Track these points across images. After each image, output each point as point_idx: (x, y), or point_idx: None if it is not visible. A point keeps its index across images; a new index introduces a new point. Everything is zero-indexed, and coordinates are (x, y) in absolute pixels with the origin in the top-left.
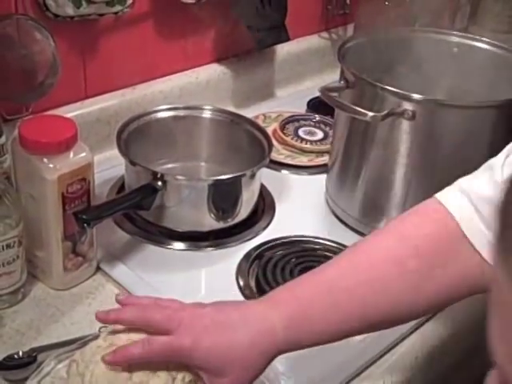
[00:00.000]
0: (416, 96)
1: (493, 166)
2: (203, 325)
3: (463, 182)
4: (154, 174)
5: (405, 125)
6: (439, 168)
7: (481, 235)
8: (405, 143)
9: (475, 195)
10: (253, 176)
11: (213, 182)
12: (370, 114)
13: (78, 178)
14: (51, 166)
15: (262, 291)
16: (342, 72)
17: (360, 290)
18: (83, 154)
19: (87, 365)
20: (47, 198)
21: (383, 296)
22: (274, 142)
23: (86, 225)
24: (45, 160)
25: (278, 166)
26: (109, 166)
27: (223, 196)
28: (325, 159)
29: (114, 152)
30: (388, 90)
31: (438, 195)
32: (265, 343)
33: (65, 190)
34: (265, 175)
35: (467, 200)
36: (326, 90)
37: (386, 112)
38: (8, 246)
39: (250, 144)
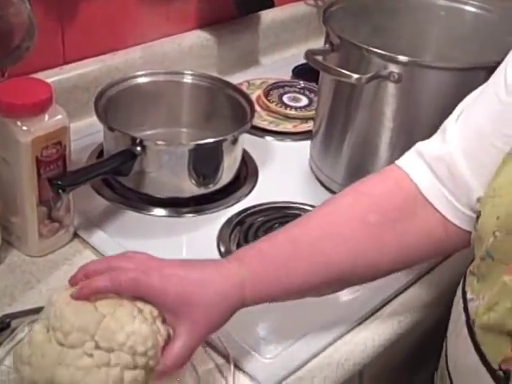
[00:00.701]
0: (402, 58)
1: (446, 126)
2: (173, 271)
3: (419, 145)
4: (133, 139)
5: (390, 88)
6: (425, 131)
7: (438, 193)
8: (390, 106)
9: (428, 156)
10: (234, 141)
11: (193, 146)
12: (355, 76)
13: (53, 142)
14: (25, 128)
15: None
16: (328, 35)
17: (323, 243)
18: (59, 117)
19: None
20: (21, 161)
21: (346, 249)
22: (258, 109)
23: (61, 191)
24: (18, 123)
25: (262, 132)
26: (87, 133)
27: (204, 161)
28: (309, 125)
29: (93, 119)
30: (373, 51)
31: (398, 160)
32: (235, 297)
33: (39, 153)
34: (248, 141)
35: (422, 161)
36: (310, 53)
37: (371, 74)
38: None
39: (232, 109)
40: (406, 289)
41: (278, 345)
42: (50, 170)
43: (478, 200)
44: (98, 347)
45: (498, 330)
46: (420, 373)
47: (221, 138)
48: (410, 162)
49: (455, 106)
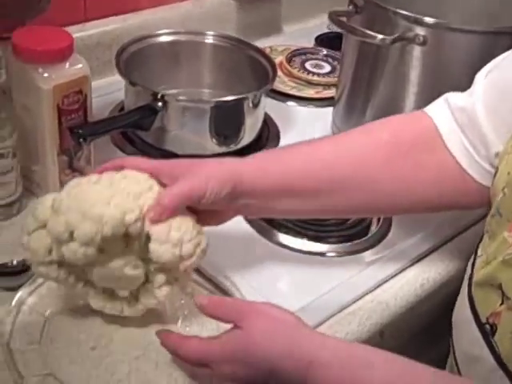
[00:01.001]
0: (428, 20)
1: (475, 81)
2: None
3: (448, 94)
4: (154, 94)
5: (416, 51)
6: None
7: (458, 140)
8: (415, 69)
9: (454, 104)
10: (256, 101)
11: (215, 104)
12: (380, 36)
13: (75, 90)
14: (46, 75)
15: None
16: None
17: (324, 149)
18: (79, 66)
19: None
20: (42, 109)
21: (348, 155)
22: (280, 74)
23: (81, 140)
24: (40, 69)
25: (284, 97)
26: (108, 91)
27: (226, 120)
28: (332, 92)
29: (114, 78)
30: (399, 13)
31: (425, 108)
32: (233, 174)
33: (60, 101)
34: (270, 106)
35: (447, 108)
36: (335, 14)
37: (396, 35)
38: (2, 156)
39: (254, 70)
40: (430, 252)
41: (300, 300)
42: (71, 120)
43: (497, 155)
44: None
45: (489, 284)
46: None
47: (243, 96)
48: (435, 107)
49: (480, 69)
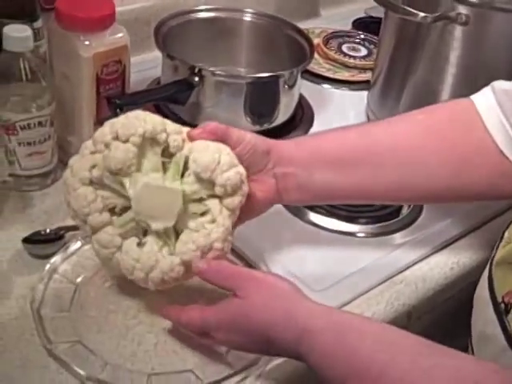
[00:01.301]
0: None
1: None
2: None
3: (495, 81)
4: (192, 68)
5: (457, 31)
6: (489, 78)
7: (499, 125)
8: (455, 51)
9: (498, 88)
10: (292, 79)
11: (251, 80)
12: (422, 14)
13: (114, 60)
14: (87, 43)
15: None
16: None
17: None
18: (120, 35)
19: None
20: (82, 77)
21: (384, 130)
22: (316, 56)
23: (118, 110)
24: (81, 37)
25: (319, 79)
26: (146, 68)
27: (261, 97)
28: (367, 75)
29: (152, 54)
30: None
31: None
32: (269, 140)
33: (99, 70)
34: (305, 87)
35: (491, 92)
36: None
37: (437, 14)
38: (40, 124)
39: (291, 49)
40: (461, 237)
41: (328, 279)
42: (109, 89)
43: None
44: None
45: (507, 263)
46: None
47: (279, 73)
48: (479, 93)
49: None
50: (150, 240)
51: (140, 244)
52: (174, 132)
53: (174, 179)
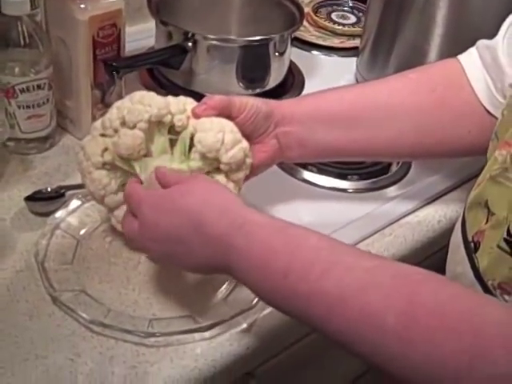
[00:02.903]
0: None
1: (504, 22)
2: None
3: (480, 40)
4: (185, 33)
5: None
6: (475, 38)
7: (480, 77)
8: (441, 10)
9: (481, 44)
10: (283, 43)
11: (243, 43)
12: None
13: (110, 23)
14: (83, 6)
15: None
16: None
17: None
18: None
19: None
20: (78, 40)
21: (377, 87)
22: (306, 24)
23: (114, 73)
24: (77, 1)
25: (309, 46)
26: (140, 37)
27: (253, 62)
28: (356, 42)
29: (145, 25)
30: None
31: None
32: (270, 100)
33: (95, 33)
34: (296, 54)
35: (475, 48)
36: None
37: None
38: (38, 87)
39: (282, 15)
40: (448, 192)
41: (320, 231)
42: (106, 53)
43: (510, 86)
44: None
45: (477, 203)
46: None
47: (270, 36)
48: (466, 52)
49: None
50: None
51: None
52: (179, 112)
53: (180, 159)
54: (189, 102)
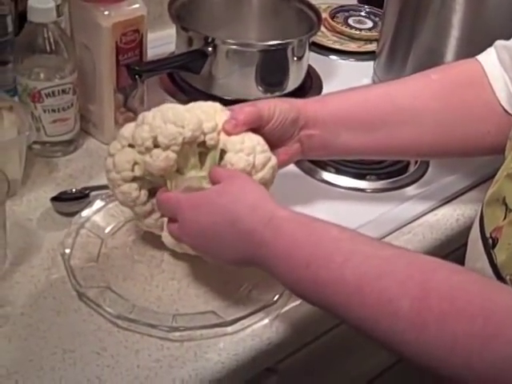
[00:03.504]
0: None
1: None
2: None
3: (498, 41)
4: (206, 38)
5: None
6: (493, 40)
7: (499, 77)
8: (458, 14)
9: (499, 44)
10: (301, 48)
11: (262, 48)
12: None
13: (132, 29)
14: (106, 13)
15: None
16: None
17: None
18: (137, 6)
19: None
20: (101, 46)
21: (407, 94)
22: (323, 29)
23: (137, 77)
24: (101, 8)
25: (327, 51)
26: (160, 44)
27: (272, 66)
28: (373, 46)
29: (166, 32)
30: None
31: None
32: (296, 102)
33: (118, 39)
34: (314, 59)
35: (493, 48)
36: None
37: None
38: (63, 92)
39: (300, 21)
40: (466, 191)
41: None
42: (128, 58)
43: None
44: None
45: (495, 200)
46: None
47: (289, 40)
48: (484, 53)
49: None
50: None
51: None
52: (211, 130)
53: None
54: (219, 110)
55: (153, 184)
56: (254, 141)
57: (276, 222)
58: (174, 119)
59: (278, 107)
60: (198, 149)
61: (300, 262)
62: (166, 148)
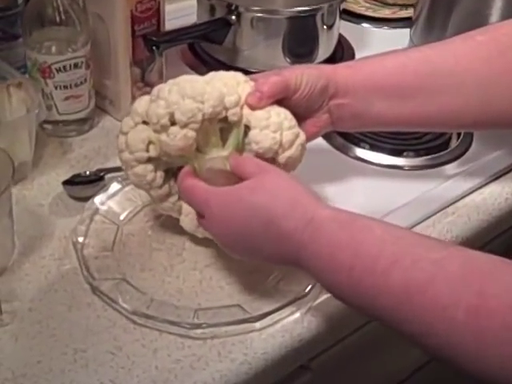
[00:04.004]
0: None
1: None
2: None
3: None
4: (229, 5)
5: None
6: None
7: None
8: None
9: None
10: (332, 14)
11: (290, 14)
12: None
13: None
14: None
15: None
16: None
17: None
18: None
19: None
20: (115, 15)
21: (453, 56)
22: None
23: (155, 48)
24: None
25: (359, 18)
26: (180, 15)
27: (300, 34)
28: (409, 12)
29: (187, 3)
30: None
31: None
32: (325, 69)
33: (134, 7)
34: (345, 27)
35: None
36: None
37: None
38: (76, 66)
39: None
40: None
41: (377, 212)
42: (145, 28)
43: None
44: None
45: None
46: None
47: (319, 6)
48: None
49: None
50: None
51: None
52: (234, 105)
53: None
54: (242, 81)
55: (169, 164)
56: (281, 116)
57: (317, 222)
58: (192, 93)
59: (305, 75)
60: (219, 124)
61: (342, 265)
62: (184, 126)
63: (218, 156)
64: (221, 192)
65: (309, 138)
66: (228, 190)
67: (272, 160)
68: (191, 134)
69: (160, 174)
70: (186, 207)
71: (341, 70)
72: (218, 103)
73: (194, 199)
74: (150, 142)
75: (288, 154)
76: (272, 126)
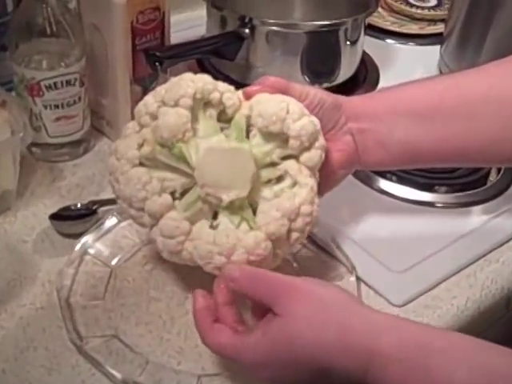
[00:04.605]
0: None
1: None
2: None
3: None
4: (241, 18)
5: None
6: None
7: None
8: None
9: None
10: (356, 30)
11: (310, 28)
12: None
13: (151, 7)
14: None
15: None
16: None
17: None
18: None
19: None
20: (114, 27)
21: (483, 82)
22: (379, 9)
23: (157, 64)
24: None
25: (383, 34)
26: (187, 27)
27: (320, 51)
28: (438, 28)
29: (195, 13)
30: None
31: None
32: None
33: (135, 18)
34: (369, 44)
35: None
36: None
37: None
38: (68, 83)
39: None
40: None
41: (409, 258)
42: (147, 41)
43: None
44: None
45: None
46: None
47: (343, 20)
48: None
49: None
50: (223, 219)
51: (212, 227)
52: (228, 90)
53: (239, 140)
54: (240, 92)
55: (168, 180)
56: (285, 96)
57: (378, 363)
58: (180, 77)
59: (312, 90)
60: (219, 124)
61: None
62: (175, 104)
63: (221, 136)
64: (251, 343)
65: (336, 166)
66: (259, 339)
67: (284, 142)
68: (183, 111)
69: (157, 180)
70: (197, 228)
71: (357, 97)
72: (209, 82)
73: (221, 352)
74: (141, 144)
75: (299, 123)
76: (276, 98)
